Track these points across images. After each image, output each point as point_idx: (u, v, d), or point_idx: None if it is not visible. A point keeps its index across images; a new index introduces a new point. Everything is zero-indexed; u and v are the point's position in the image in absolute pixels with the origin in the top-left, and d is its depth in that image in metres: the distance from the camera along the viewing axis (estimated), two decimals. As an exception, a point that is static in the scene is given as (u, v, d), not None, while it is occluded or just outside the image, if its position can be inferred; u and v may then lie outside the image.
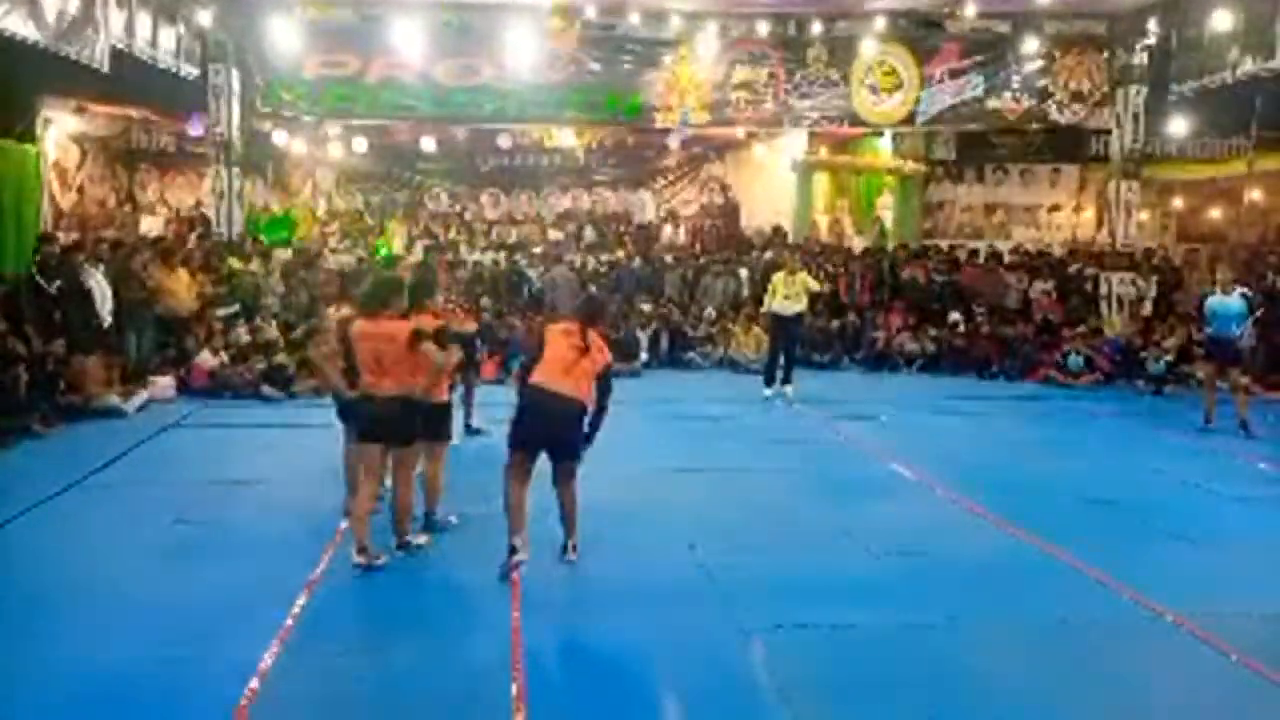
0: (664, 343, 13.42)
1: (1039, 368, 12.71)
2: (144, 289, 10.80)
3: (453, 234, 18.28)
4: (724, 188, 19.07)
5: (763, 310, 11.58)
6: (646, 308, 13.74)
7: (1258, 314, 9.88)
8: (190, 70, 13.01)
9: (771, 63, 14.41)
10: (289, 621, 4.65)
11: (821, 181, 18.25)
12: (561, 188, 19.92)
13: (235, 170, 13.68)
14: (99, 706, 3.92)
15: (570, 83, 14.17)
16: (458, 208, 19.81)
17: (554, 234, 18.83)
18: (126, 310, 10.44)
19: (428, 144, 17.68)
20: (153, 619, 4.67)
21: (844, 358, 13.56)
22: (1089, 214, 17.62)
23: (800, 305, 10.93)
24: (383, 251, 15.34)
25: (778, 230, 16.94)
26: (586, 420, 5.28)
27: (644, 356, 12.78)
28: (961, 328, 13.42)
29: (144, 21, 11.48)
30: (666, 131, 16.27)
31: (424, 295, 5.77)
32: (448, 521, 6.04)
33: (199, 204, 15.52)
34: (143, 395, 9.66)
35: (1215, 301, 9.57)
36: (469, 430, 8.26)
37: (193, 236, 13.52)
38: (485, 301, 12.65)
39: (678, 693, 4.16)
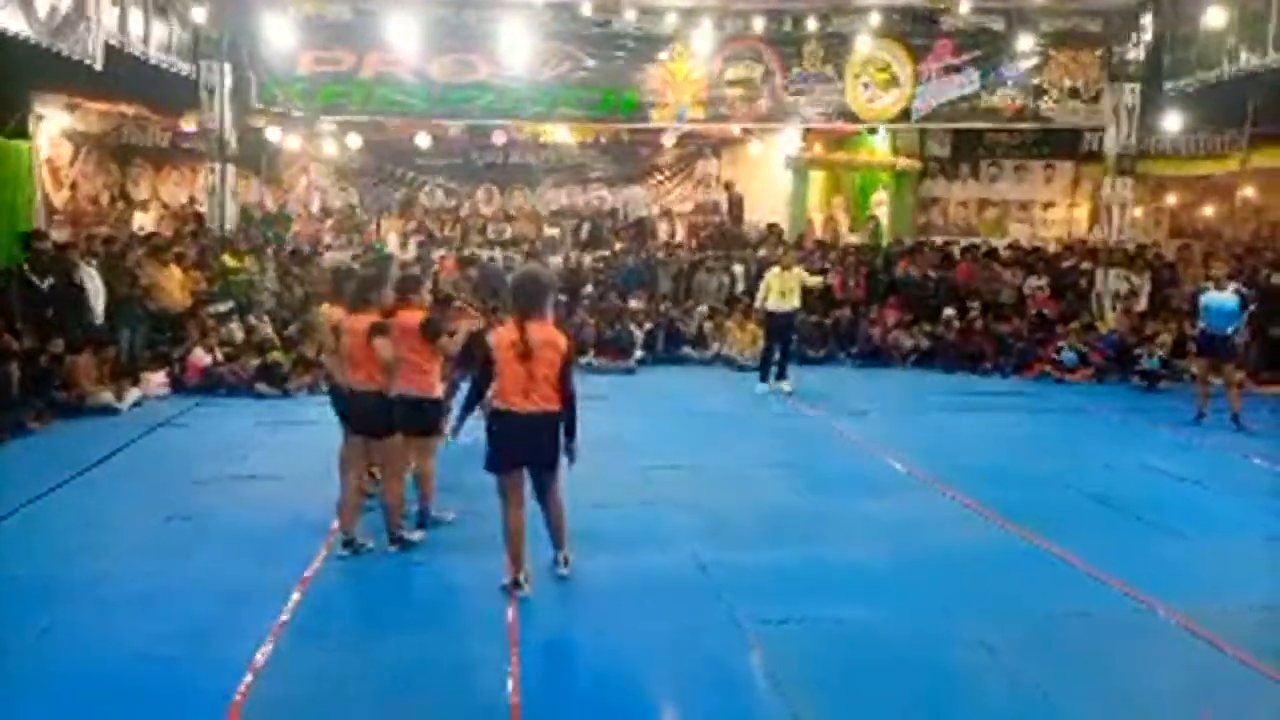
0: (659, 340, 13.43)
1: (1033, 363, 12.73)
2: (137, 286, 10.79)
3: (448, 230, 18.29)
4: (729, 185, 19.03)
5: (756, 307, 11.62)
6: (641, 304, 13.74)
7: (1251, 309, 9.90)
8: (184, 66, 12.96)
9: (767, 59, 14.41)
10: (284, 618, 4.65)
11: (816, 178, 18.27)
12: (557, 184, 19.92)
13: (229, 167, 13.65)
14: (93, 702, 3.92)
15: (565, 79, 14.16)
16: (453, 204, 19.79)
17: (550, 230, 18.82)
18: (119, 307, 10.42)
19: (423, 140, 17.64)
20: (147, 615, 4.67)
21: (839, 354, 13.58)
22: (1083, 210, 17.66)
23: (795, 302, 10.97)
24: (379, 248, 15.32)
25: (772, 228, 16.94)
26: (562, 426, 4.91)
27: (639, 353, 12.78)
28: (956, 324, 13.43)
29: (137, 17, 11.42)
30: (662, 129, 16.27)
31: (370, 291, 5.62)
32: (443, 518, 6.04)
33: (192, 200, 15.47)
34: (136, 392, 9.63)
35: (1210, 297, 9.61)
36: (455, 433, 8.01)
37: (187, 232, 13.50)
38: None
39: (674, 688, 4.17)
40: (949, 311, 13.58)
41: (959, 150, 17.45)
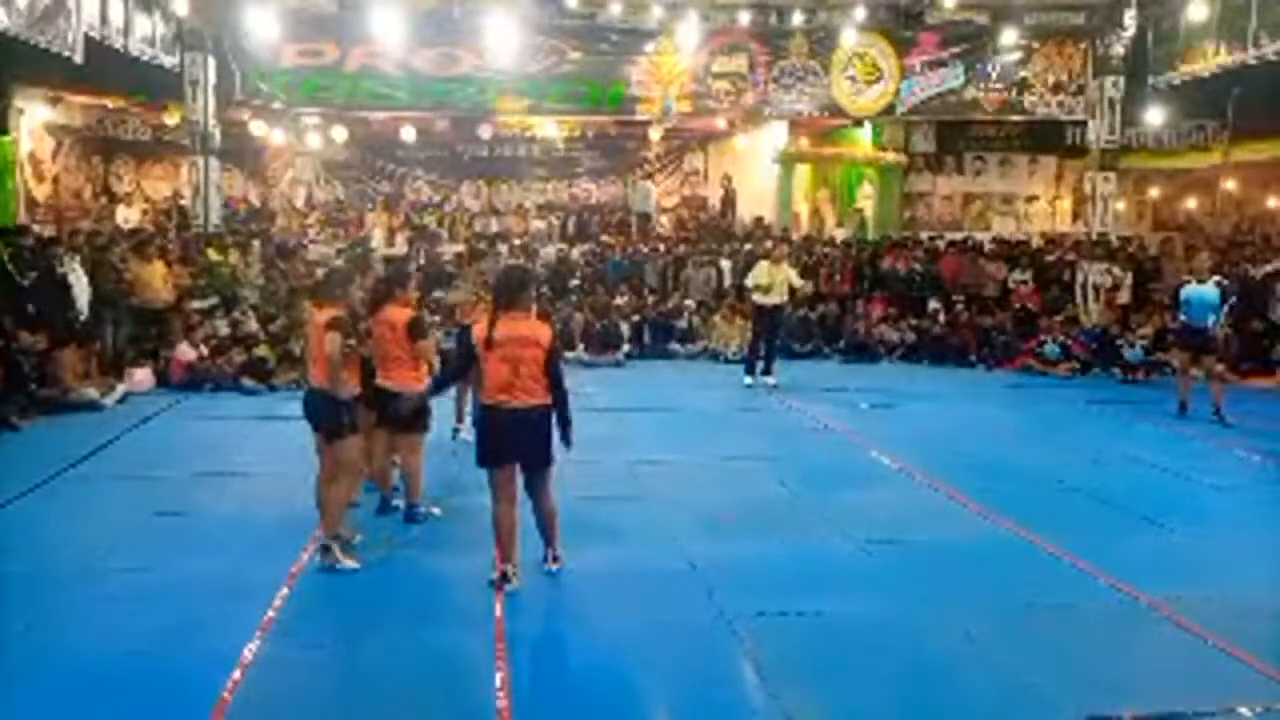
0: (646, 334, 13.44)
1: (1017, 356, 12.82)
2: (121, 281, 10.70)
3: (434, 225, 18.21)
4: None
5: (747, 286, 11.13)
6: (629, 299, 13.74)
7: (1231, 302, 9.98)
8: (167, 59, 12.86)
9: (752, 53, 14.42)
10: (271, 613, 4.65)
11: (802, 172, 18.31)
12: (543, 178, 19.88)
13: (213, 160, 13.56)
14: (81, 698, 3.90)
15: (551, 72, 14.13)
16: (439, 198, 19.73)
17: (536, 224, 18.80)
18: (103, 302, 10.33)
19: (408, 134, 17.58)
20: (133, 611, 4.65)
21: (824, 347, 13.63)
22: (1066, 204, 17.79)
23: (782, 296, 10.98)
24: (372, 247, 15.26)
25: (759, 222, 16.99)
26: (554, 418, 4.87)
27: (626, 348, 12.79)
28: (941, 317, 13.51)
29: (117, 9, 11.32)
30: (648, 123, 16.26)
31: (336, 286, 5.40)
32: (430, 513, 6.04)
33: (176, 194, 15.38)
34: (121, 388, 9.58)
35: (1191, 290, 9.67)
36: (455, 433, 7.92)
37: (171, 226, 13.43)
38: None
39: (662, 682, 4.19)
40: (934, 305, 13.66)
41: (944, 144, 17.54)
